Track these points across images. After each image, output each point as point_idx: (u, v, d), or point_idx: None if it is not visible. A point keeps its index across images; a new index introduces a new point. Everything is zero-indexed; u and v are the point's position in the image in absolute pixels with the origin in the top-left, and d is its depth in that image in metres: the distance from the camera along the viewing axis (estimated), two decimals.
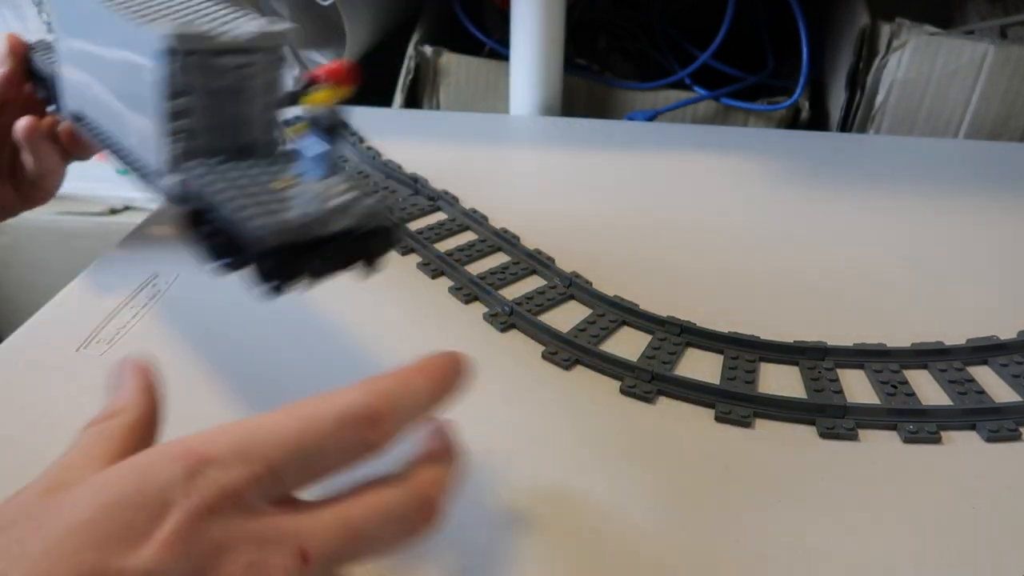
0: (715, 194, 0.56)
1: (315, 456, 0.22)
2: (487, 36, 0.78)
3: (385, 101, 0.78)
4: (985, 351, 0.39)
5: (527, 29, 0.68)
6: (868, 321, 0.43)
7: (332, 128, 0.28)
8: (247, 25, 0.30)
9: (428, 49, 0.75)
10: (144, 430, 0.24)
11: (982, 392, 0.37)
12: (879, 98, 0.67)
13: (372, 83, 0.86)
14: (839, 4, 0.76)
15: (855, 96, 0.69)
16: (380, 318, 0.43)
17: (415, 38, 0.76)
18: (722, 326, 0.41)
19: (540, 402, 0.37)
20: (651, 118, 0.73)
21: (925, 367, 0.39)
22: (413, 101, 0.77)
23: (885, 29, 0.65)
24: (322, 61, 0.79)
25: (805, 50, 0.70)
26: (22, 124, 0.43)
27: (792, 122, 0.72)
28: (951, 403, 0.36)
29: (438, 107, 0.77)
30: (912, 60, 0.65)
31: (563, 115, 0.73)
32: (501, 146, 0.65)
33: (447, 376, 0.25)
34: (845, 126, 0.70)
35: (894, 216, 0.53)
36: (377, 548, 0.23)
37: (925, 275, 0.47)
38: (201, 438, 0.21)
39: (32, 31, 0.76)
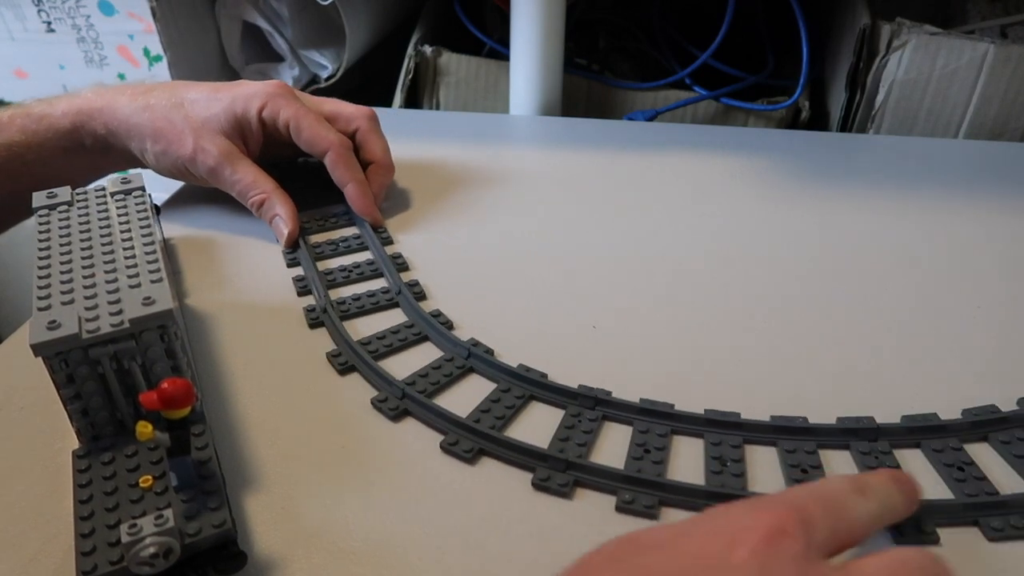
0: (714, 194, 0.56)
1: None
2: (487, 36, 0.78)
3: (385, 101, 0.78)
4: (985, 426, 0.35)
5: (527, 29, 0.68)
6: (853, 381, 0.38)
7: (175, 449, 0.27)
8: (131, 308, 0.30)
9: (428, 49, 0.75)
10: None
11: (983, 479, 0.32)
12: (879, 98, 0.67)
13: (372, 83, 0.87)
14: (839, 4, 0.76)
15: (855, 96, 0.69)
16: (252, 374, 0.39)
17: (415, 38, 0.76)
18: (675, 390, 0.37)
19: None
20: (651, 118, 0.73)
21: (918, 446, 0.34)
22: (413, 101, 0.77)
23: (885, 29, 0.65)
24: (322, 61, 0.78)
25: (805, 50, 0.70)
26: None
27: (792, 122, 0.72)
28: (951, 496, 0.32)
29: (438, 107, 0.77)
30: (912, 60, 0.65)
31: (563, 115, 0.73)
32: (501, 146, 0.65)
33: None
34: (845, 126, 0.70)
35: (894, 217, 0.53)
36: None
37: (923, 308, 0.43)
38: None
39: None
